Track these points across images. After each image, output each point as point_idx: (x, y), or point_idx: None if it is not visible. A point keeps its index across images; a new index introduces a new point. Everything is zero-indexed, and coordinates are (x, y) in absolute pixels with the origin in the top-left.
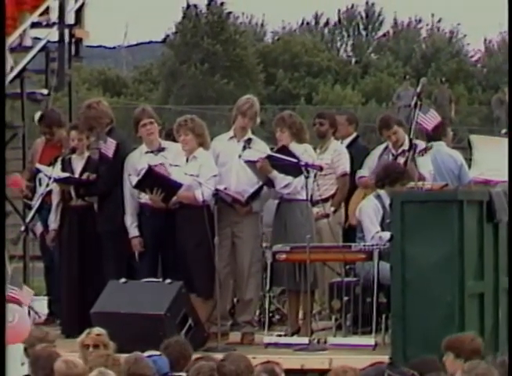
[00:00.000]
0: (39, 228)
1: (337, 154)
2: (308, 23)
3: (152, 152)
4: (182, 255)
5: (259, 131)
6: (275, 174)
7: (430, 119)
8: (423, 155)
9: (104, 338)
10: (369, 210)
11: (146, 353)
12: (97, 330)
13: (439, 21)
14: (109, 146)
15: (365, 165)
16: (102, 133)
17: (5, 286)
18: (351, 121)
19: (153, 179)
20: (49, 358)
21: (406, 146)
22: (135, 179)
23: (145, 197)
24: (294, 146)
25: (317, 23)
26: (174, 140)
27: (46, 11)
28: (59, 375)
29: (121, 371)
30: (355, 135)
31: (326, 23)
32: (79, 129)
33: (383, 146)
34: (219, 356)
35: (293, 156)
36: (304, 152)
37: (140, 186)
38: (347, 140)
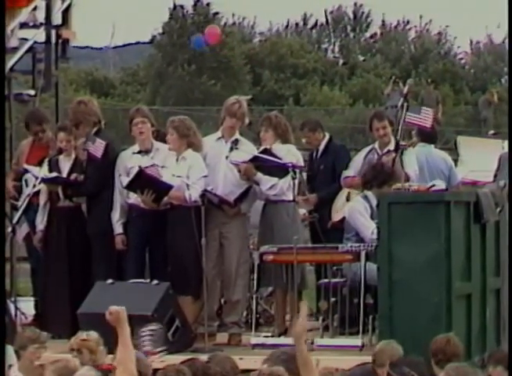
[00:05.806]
0: (24, 230)
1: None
2: (296, 25)
3: (140, 152)
4: (170, 256)
5: (246, 133)
6: (259, 176)
7: (426, 117)
8: (406, 149)
9: (90, 344)
10: (361, 209)
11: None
12: (86, 334)
13: (428, 23)
14: (97, 147)
15: (350, 166)
16: (90, 134)
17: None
18: (314, 129)
19: (143, 181)
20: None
21: (392, 147)
22: (125, 180)
23: (133, 197)
24: (278, 147)
25: (305, 24)
26: (163, 141)
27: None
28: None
29: None
30: (326, 138)
31: (314, 25)
32: (67, 130)
33: (368, 147)
34: (206, 357)
35: (276, 157)
36: (287, 152)
37: (131, 187)
38: (321, 147)
